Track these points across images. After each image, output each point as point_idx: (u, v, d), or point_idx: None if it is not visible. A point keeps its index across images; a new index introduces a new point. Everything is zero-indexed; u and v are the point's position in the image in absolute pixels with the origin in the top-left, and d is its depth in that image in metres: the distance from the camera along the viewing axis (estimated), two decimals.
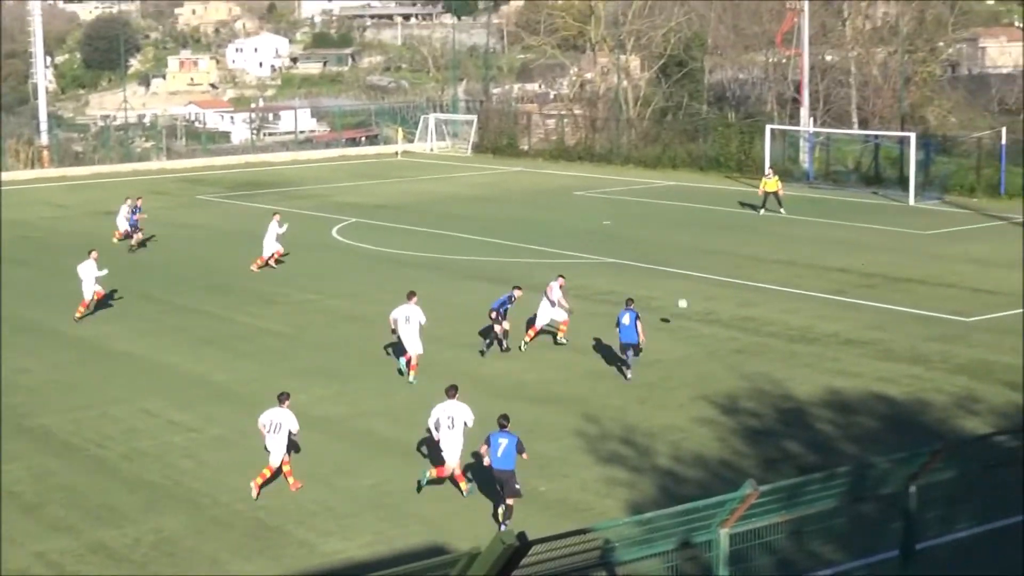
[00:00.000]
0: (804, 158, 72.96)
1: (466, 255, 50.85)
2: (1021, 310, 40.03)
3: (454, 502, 25.33)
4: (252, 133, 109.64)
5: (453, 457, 25.68)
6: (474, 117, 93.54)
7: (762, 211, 60.15)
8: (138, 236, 53.31)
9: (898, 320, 39.13)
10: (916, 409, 30.54)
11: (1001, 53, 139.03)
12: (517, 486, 23.92)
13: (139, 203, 54.83)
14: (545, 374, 33.89)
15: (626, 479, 26.29)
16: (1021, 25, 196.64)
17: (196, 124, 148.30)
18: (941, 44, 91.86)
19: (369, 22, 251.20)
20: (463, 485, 25.74)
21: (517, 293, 36.40)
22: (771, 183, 60.27)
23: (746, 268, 47.11)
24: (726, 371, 33.84)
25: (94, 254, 41.98)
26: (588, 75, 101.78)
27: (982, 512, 23.46)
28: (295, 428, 26.16)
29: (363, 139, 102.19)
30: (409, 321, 33.70)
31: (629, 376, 33.29)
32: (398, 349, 34.85)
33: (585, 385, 32.86)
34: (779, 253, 50.07)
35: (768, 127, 71.87)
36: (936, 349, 35.67)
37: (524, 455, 24.21)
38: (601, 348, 36.20)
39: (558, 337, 36.78)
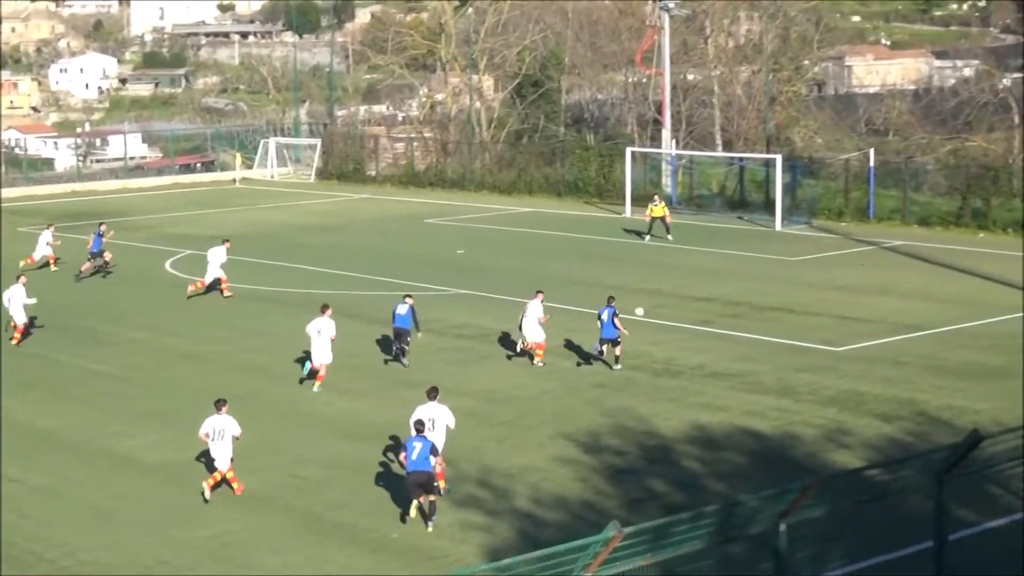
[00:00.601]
0: (667, 182, 73.76)
1: (311, 288, 50.61)
2: (891, 339, 40.83)
3: (300, 552, 25.16)
4: (78, 160, 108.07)
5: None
6: (318, 141, 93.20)
7: (647, 238, 60.69)
8: (108, 257, 53.88)
9: (766, 351, 39.68)
10: (785, 443, 30.98)
11: (868, 72, 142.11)
12: (435, 484, 26.02)
13: (103, 228, 55.18)
14: (394, 413, 33.78)
15: (483, 523, 26.31)
16: (887, 43, 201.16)
17: (16, 150, 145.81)
18: (806, 63, 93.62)
19: (204, 40, 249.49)
20: (441, 484, 26.87)
21: (409, 300, 38.56)
22: (658, 209, 60.79)
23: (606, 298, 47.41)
24: (587, 407, 34.04)
25: (23, 279, 43.31)
26: (439, 96, 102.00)
27: (855, 550, 23.85)
28: (237, 432, 28.09)
29: (198, 165, 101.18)
30: (321, 334, 36.19)
31: (617, 367, 37.29)
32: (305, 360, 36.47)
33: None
34: (642, 282, 50.50)
35: (629, 150, 72.54)
36: (805, 380, 36.22)
37: (437, 457, 25.99)
38: (453, 385, 36.22)
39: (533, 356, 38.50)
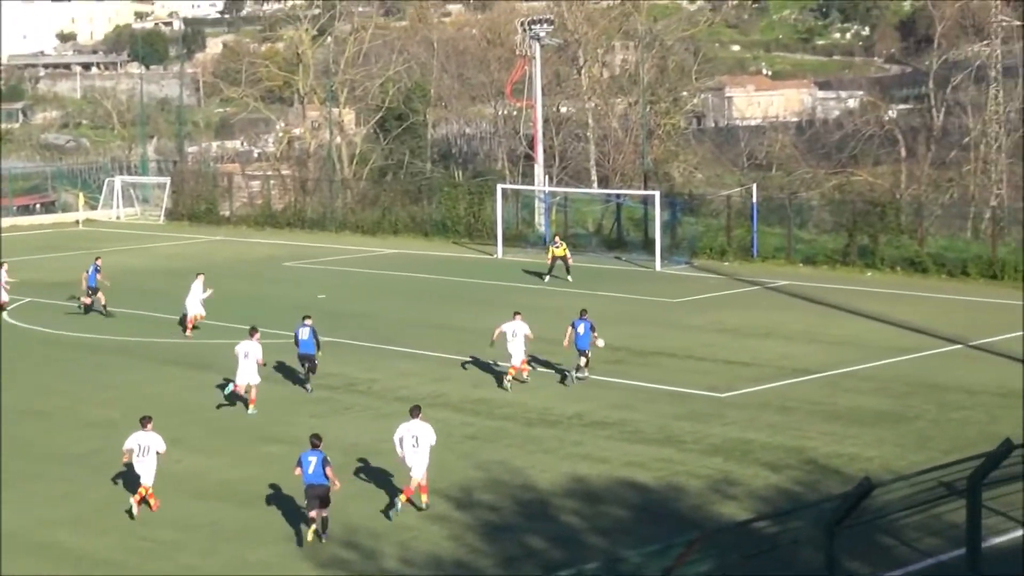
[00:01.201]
0: (540, 220, 74.10)
1: (162, 337, 50.16)
2: (777, 383, 41.28)
3: None
4: None
5: (418, 472, 30.24)
6: (167, 180, 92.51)
7: (547, 278, 60.87)
8: (100, 297, 54.89)
9: (646, 398, 39.91)
10: (669, 495, 31.15)
11: (749, 103, 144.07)
12: (328, 497, 28.54)
13: (99, 263, 56.33)
14: (251, 470, 33.59)
15: None
16: (769, 73, 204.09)
17: None
18: (685, 94, 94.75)
19: (43, 72, 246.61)
20: (424, 498, 30.31)
21: (309, 322, 41.68)
22: (559, 250, 61.04)
23: (479, 344, 47.47)
24: (458, 460, 34.01)
25: None
26: (296, 131, 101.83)
27: None
28: (162, 448, 30.77)
29: (37, 206, 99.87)
30: (248, 356, 39.03)
31: (585, 375, 41.23)
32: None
33: (298, 482, 32.57)
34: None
35: (499, 187, 72.84)
36: (688, 429, 36.47)
37: (328, 469, 28.52)
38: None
39: (523, 376, 41.45)
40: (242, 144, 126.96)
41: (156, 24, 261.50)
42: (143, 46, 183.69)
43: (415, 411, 30.84)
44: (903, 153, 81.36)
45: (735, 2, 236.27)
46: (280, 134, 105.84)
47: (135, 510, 29.97)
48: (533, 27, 75.36)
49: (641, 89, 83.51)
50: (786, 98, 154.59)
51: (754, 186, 69.05)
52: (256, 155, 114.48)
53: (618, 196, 74.47)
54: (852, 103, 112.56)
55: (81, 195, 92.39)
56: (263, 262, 70.08)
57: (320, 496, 28.28)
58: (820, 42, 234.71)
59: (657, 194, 67.25)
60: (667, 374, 42.86)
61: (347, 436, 36.30)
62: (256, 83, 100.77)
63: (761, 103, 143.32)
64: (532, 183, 76.90)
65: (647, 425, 36.91)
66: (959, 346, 45.95)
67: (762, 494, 30.92)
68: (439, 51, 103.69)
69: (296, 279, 64.28)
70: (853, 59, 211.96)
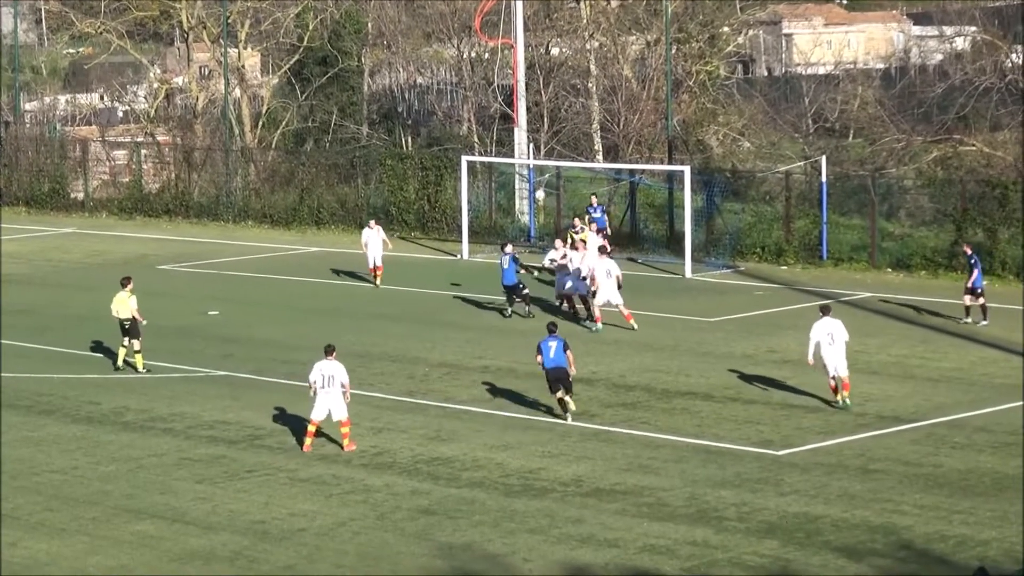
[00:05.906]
0: (522, 207, 73.91)
1: None
2: (856, 436, 41.22)
3: None
4: None
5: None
6: None
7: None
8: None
9: (672, 456, 39.79)
10: None
11: (816, 44, 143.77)
12: (570, 380, 42.01)
13: None
14: (118, 557, 33.44)
15: None
16: (843, 0, 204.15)
17: None
18: (726, 30, 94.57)
19: None
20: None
21: (509, 248, 51.65)
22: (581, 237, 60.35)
23: (435, 380, 47.38)
24: (408, 543, 33.91)
25: None
26: (178, 80, 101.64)
27: None
28: (346, 381, 40.09)
29: None
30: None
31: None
32: None
33: None
34: (486, 356, 50.49)
35: (464, 159, 72.44)
36: (732, 500, 36.37)
37: (569, 352, 41.55)
38: (201, 514, 35.96)
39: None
40: (102, 99, 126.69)
41: None
42: None
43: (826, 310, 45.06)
44: None
45: None
46: (156, 85, 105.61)
47: (307, 445, 40.11)
48: None
49: (665, 23, 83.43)
50: (868, 36, 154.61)
51: (823, 159, 68.77)
52: (121, 114, 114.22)
53: (632, 173, 74.34)
54: (960, 43, 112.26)
55: None
56: (131, 265, 69.82)
57: (561, 379, 41.40)
58: None
59: (687, 170, 66.92)
60: (701, 423, 42.77)
61: (250, 511, 36.17)
62: (121, 13, 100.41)
63: (833, 43, 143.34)
64: (511, 154, 76.72)
65: (674, 495, 36.83)
66: None
67: None
68: None
69: (177, 289, 64.10)
70: None
